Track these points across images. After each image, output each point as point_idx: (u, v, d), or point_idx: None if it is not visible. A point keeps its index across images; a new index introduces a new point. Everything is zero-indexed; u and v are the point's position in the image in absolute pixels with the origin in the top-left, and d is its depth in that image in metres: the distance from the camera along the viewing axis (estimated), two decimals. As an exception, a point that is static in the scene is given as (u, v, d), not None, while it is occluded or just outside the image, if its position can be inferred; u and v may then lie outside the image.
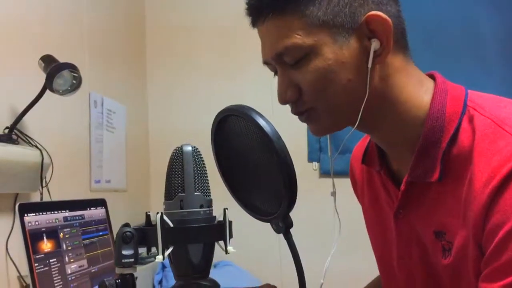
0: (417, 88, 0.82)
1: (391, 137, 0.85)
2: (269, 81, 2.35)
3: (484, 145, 0.74)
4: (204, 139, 0.86)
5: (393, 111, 0.82)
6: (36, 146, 1.53)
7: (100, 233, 1.37)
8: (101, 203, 1.42)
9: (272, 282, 0.94)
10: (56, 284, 1.15)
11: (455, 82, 0.85)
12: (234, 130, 0.77)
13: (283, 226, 0.75)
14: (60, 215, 1.23)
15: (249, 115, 0.72)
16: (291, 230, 0.75)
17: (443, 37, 2.31)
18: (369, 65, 0.78)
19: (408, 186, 0.83)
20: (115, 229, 0.74)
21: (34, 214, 1.14)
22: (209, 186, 0.76)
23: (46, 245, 1.15)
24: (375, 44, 0.78)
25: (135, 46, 2.60)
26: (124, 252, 0.72)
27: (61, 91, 1.49)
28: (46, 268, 1.13)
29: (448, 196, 0.79)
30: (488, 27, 2.31)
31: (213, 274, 0.76)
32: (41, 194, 1.55)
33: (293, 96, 0.82)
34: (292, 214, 0.75)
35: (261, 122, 0.71)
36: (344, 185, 1.07)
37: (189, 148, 0.75)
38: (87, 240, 1.31)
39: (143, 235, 0.73)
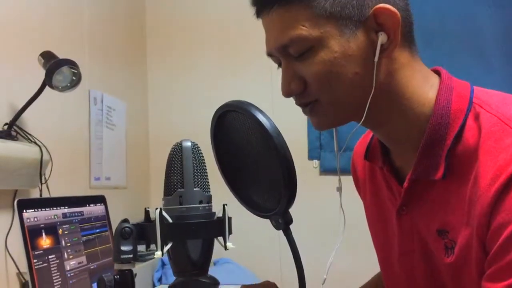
0: (422, 84, 0.81)
1: (395, 133, 0.84)
2: (270, 79, 2.38)
3: (490, 143, 0.73)
4: (204, 136, 0.86)
5: (397, 107, 0.81)
6: (35, 143, 1.52)
7: (100, 230, 1.37)
8: (100, 199, 1.42)
9: (271, 279, 0.94)
10: (55, 281, 1.14)
11: (456, 80, 0.84)
12: (234, 126, 0.76)
13: (283, 223, 0.74)
14: (59, 211, 1.23)
15: (248, 111, 0.72)
16: (291, 227, 0.75)
17: (443, 35, 2.31)
18: (376, 59, 0.77)
19: (412, 184, 0.82)
20: (115, 227, 0.74)
21: (33, 210, 1.14)
22: (208, 182, 0.76)
23: (45, 242, 1.15)
24: (382, 38, 0.76)
25: (135, 43, 2.59)
26: (123, 248, 0.71)
27: (60, 87, 1.49)
28: (45, 264, 1.13)
29: (452, 195, 0.78)
30: (489, 24, 2.31)
31: (213, 271, 0.76)
32: (41, 191, 1.54)
33: (297, 89, 0.81)
34: (292, 212, 0.75)
35: (261, 117, 0.71)
36: (345, 182, 1.06)
37: (189, 144, 0.75)
38: (86, 237, 1.30)
39: (142, 231, 0.73)
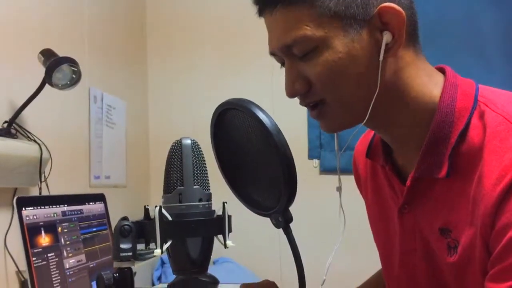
0: (427, 83, 0.80)
1: (398, 132, 0.83)
2: (270, 79, 2.38)
3: (495, 142, 0.72)
4: (204, 135, 0.85)
5: (402, 106, 0.80)
6: (35, 141, 1.52)
7: (99, 228, 1.37)
8: (100, 198, 1.42)
9: (271, 278, 0.94)
10: (54, 279, 1.14)
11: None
12: (234, 124, 0.76)
13: (283, 221, 0.74)
14: (59, 209, 1.23)
15: (248, 108, 0.71)
16: (291, 225, 0.74)
17: (443, 34, 2.30)
18: (381, 58, 0.76)
19: (414, 182, 0.81)
20: (114, 226, 0.74)
21: (32, 208, 1.14)
22: (208, 180, 0.76)
23: (44, 239, 1.14)
24: (387, 37, 0.76)
25: (135, 41, 2.59)
26: (122, 246, 0.71)
27: (60, 85, 1.49)
28: (44, 262, 1.13)
29: (455, 193, 0.77)
30: (489, 24, 2.31)
31: (213, 270, 0.75)
32: (40, 189, 1.54)
33: (301, 89, 0.80)
34: (292, 211, 0.74)
35: (261, 115, 0.70)
36: (345, 182, 1.06)
37: (188, 141, 0.74)
38: (86, 235, 1.30)
39: (141, 228, 0.73)
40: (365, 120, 0.79)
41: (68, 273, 1.19)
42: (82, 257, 1.26)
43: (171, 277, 0.75)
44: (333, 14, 0.75)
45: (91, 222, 1.34)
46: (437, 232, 0.80)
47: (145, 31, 2.67)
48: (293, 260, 0.73)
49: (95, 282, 0.73)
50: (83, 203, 1.33)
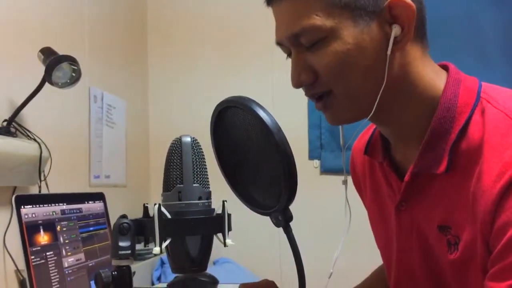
0: (433, 78, 0.80)
1: (401, 127, 0.83)
2: (270, 79, 2.37)
3: (495, 138, 0.72)
4: (204, 134, 0.85)
5: (408, 101, 0.79)
6: (35, 139, 1.52)
7: (98, 227, 1.36)
8: (99, 197, 1.41)
9: (271, 277, 0.93)
10: (52, 278, 1.14)
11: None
12: (234, 122, 0.76)
13: (283, 220, 0.74)
14: (58, 208, 1.22)
15: (249, 106, 0.71)
16: (291, 225, 0.74)
17: (444, 33, 2.30)
18: (389, 51, 0.75)
19: (413, 177, 0.81)
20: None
21: (31, 206, 1.13)
22: (208, 178, 0.75)
23: (43, 238, 1.14)
24: (396, 30, 0.75)
25: (136, 40, 2.58)
26: (121, 244, 0.71)
27: (60, 84, 1.48)
28: (43, 261, 1.12)
29: (455, 190, 0.77)
30: (489, 24, 2.30)
31: (212, 271, 0.75)
32: (39, 187, 1.54)
33: (307, 79, 0.79)
34: (292, 211, 0.74)
35: (261, 113, 0.70)
36: (348, 179, 1.05)
37: (188, 139, 0.74)
38: (85, 234, 1.30)
39: (140, 226, 0.73)
40: (371, 114, 0.78)
41: (67, 272, 1.19)
42: (81, 256, 1.26)
43: (171, 277, 0.75)
44: (343, 4, 0.75)
45: (90, 221, 1.33)
46: (435, 229, 0.80)
47: (145, 31, 2.67)
48: (293, 259, 0.73)
49: (93, 281, 0.72)
50: (82, 202, 1.33)
